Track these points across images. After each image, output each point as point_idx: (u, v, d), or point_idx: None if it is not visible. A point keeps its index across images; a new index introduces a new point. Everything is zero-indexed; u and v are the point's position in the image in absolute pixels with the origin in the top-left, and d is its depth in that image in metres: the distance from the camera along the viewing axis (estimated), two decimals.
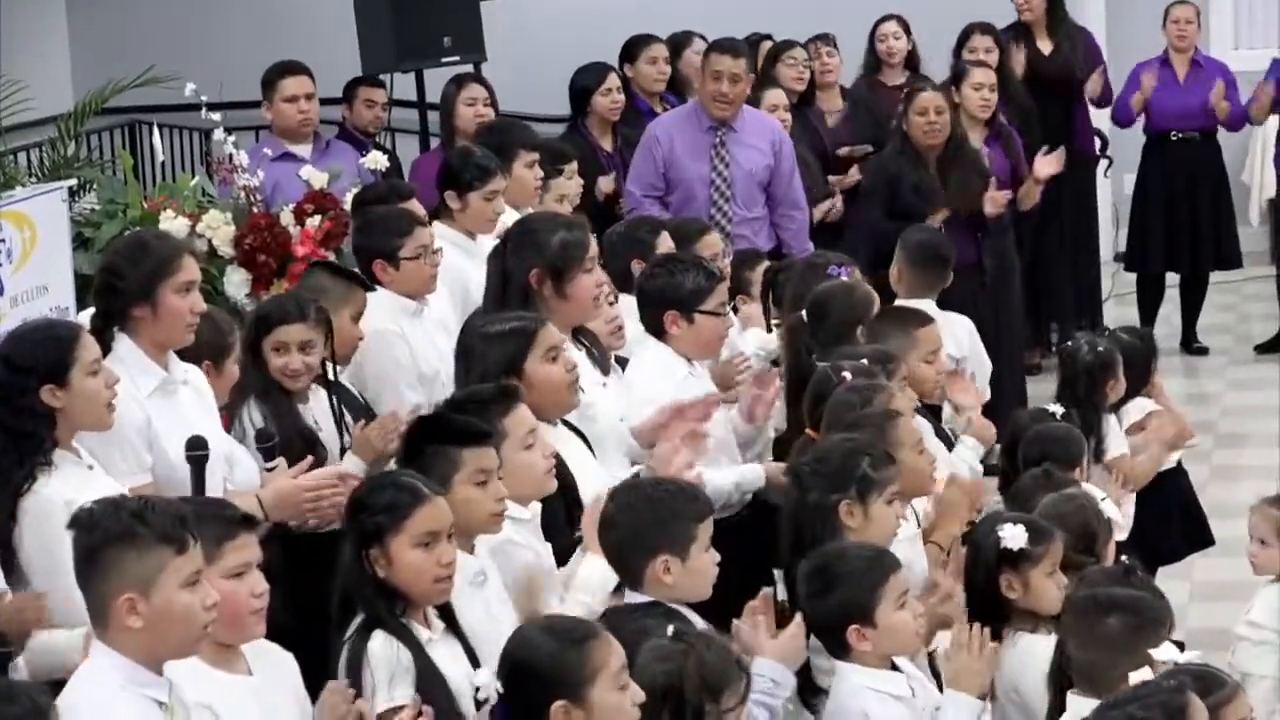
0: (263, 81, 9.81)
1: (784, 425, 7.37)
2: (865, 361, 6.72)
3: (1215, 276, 13.03)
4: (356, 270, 7.25)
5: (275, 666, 4.81)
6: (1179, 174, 12.58)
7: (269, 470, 6.13)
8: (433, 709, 4.65)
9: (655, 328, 7.13)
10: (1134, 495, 7.37)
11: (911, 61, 12.06)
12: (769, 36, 11.82)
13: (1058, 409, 7.27)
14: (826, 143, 11.27)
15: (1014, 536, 5.68)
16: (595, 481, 6.18)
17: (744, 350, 7.67)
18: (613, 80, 10.83)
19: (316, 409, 6.60)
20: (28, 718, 3.90)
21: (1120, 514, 6.97)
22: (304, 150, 9.57)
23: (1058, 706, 5.29)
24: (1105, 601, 5.21)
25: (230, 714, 4.55)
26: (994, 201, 10.13)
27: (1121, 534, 6.80)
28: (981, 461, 7.20)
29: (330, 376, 6.67)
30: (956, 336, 8.22)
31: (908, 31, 12.07)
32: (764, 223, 9.69)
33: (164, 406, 5.99)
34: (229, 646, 4.67)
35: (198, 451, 5.74)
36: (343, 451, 6.51)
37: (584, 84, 10.78)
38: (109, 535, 4.35)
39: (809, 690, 5.39)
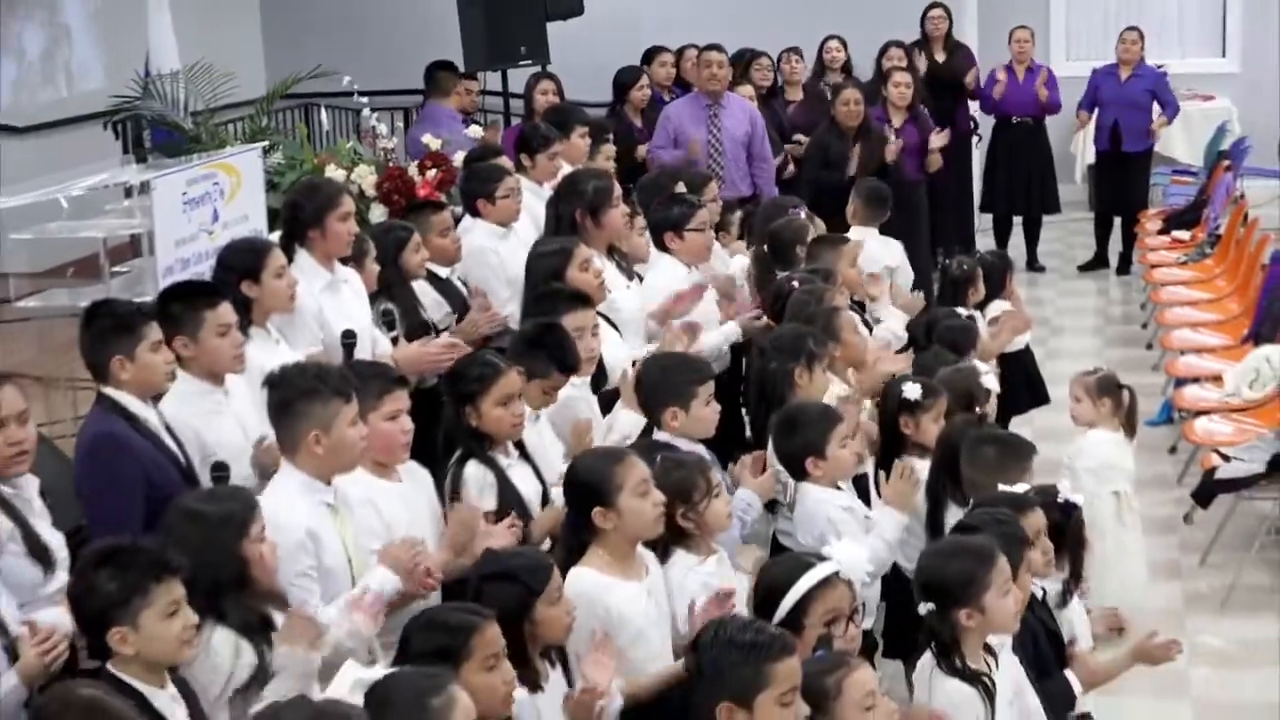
0: (442, 70, 9.88)
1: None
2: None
3: (1050, 218, 12.97)
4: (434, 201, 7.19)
5: (418, 480, 4.83)
6: (1019, 146, 12.48)
7: (392, 340, 6.11)
8: (512, 513, 4.69)
9: (661, 244, 7.17)
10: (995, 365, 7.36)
11: (848, 68, 11.98)
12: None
13: (963, 310, 7.25)
14: (785, 124, 11.18)
15: (911, 390, 5.66)
16: (618, 352, 6.22)
17: (736, 273, 7.65)
18: (644, 80, 10.80)
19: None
20: (244, 509, 3.99)
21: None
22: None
23: (933, 511, 5.33)
24: (987, 436, 5.22)
25: (387, 508, 4.58)
26: (891, 152, 10.12)
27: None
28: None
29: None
30: (893, 252, 8.21)
31: (845, 47, 12.04)
32: (745, 172, 9.68)
33: (331, 299, 6.01)
34: (386, 465, 4.69)
35: (348, 340, 5.75)
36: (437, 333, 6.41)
37: (624, 80, 10.75)
38: (298, 389, 4.38)
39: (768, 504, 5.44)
